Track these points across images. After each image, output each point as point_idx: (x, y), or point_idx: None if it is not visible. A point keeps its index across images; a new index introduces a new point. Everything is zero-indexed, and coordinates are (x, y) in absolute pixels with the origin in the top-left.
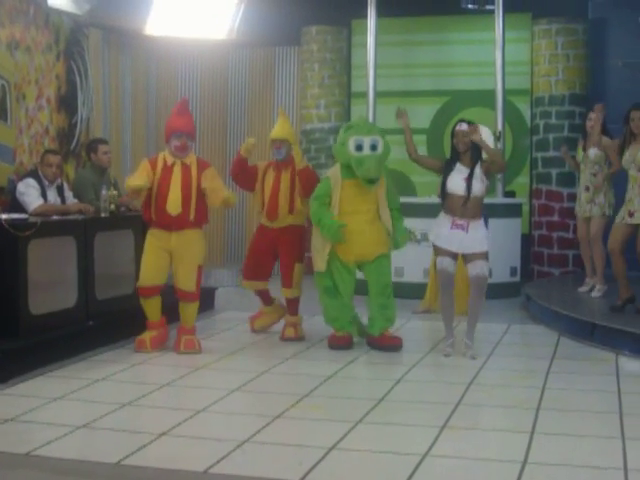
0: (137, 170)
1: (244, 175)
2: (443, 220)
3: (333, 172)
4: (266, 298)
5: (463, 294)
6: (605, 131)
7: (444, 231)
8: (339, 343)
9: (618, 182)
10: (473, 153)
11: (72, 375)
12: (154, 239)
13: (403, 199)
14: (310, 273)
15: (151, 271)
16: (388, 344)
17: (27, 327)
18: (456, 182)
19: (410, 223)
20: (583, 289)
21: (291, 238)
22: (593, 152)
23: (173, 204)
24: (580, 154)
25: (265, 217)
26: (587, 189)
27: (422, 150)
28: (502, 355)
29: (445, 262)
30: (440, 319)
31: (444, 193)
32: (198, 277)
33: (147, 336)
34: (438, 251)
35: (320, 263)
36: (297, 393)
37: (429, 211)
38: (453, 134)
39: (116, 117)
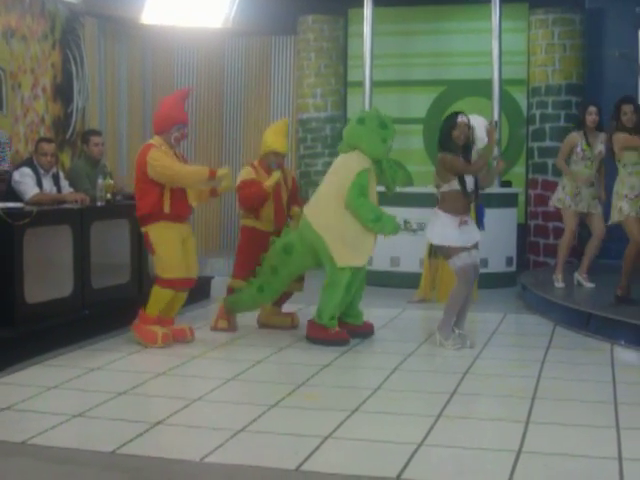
0: (168, 160)
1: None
2: (448, 221)
3: (368, 163)
4: None
5: (449, 284)
6: (601, 125)
7: (453, 231)
8: (347, 337)
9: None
10: (468, 146)
11: (68, 364)
12: (174, 232)
13: (399, 189)
14: None
15: (183, 263)
16: (368, 330)
17: (23, 316)
18: (469, 179)
19: (406, 213)
20: (561, 285)
21: None
22: (603, 148)
23: (192, 195)
24: (587, 148)
25: (273, 225)
26: (592, 185)
27: (418, 140)
28: (498, 345)
29: (466, 257)
30: (436, 309)
31: (463, 191)
32: None
33: (159, 331)
34: (453, 251)
35: (361, 258)
36: (293, 382)
37: (425, 201)
38: (454, 126)
39: (112, 106)
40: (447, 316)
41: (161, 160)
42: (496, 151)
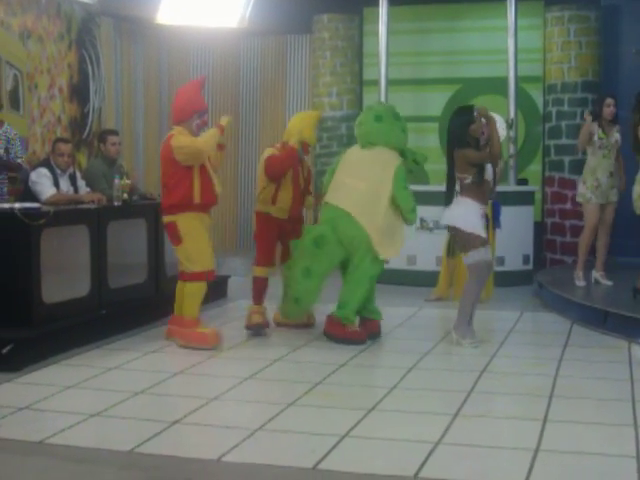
0: (188, 139)
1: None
2: (475, 209)
3: (400, 158)
4: (264, 292)
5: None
6: (616, 118)
7: (478, 220)
8: (364, 337)
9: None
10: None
11: (85, 363)
12: (199, 223)
13: (415, 187)
14: None
15: (211, 255)
16: (375, 330)
17: (40, 316)
18: (489, 168)
19: (422, 211)
20: (582, 283)
21: (299, 226)
22: (619, 137)
23: (217, 182)
24: (603, 136)
25: (288, 212)
26: (611, 174)
27: (434, 138)
28: (514, 343)
29: (484, 252)
30: (453, 307)
31: (481, 181)
32: None
33: (208, 331)
34: (473, 241)
35: (398, 249)
36: (310, 381)
37: (441, 199)
38: (472, 120)
39: (128, 106)
40: (462, 314)
41: (183, 141)
42: (512, 149)
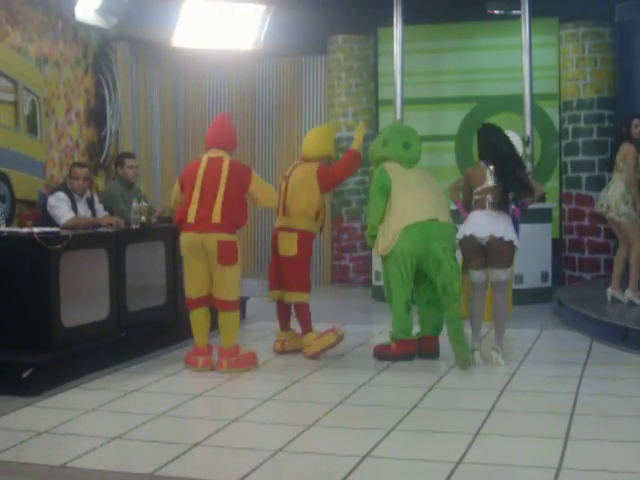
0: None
1: None
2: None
3: None
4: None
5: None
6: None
7: None
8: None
9: None
10: None
11: (105, 387)
12: None
13: None
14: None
15: None
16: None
17: (60, 339)
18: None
19: None
20: (626, 298)
21: None
22: None
23: None
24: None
25: (321, 227)
26: None
27: (451, 157)
28: (535, 361)
29: None
30: (467, 325)
31: None
32: None
33: (248, 350)
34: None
35: None
36: (330, 402)
37: (459, 218)
38: None
39: (145, 129)
40: (502, 332)
41: (268, 187)
42: (529, 167)
